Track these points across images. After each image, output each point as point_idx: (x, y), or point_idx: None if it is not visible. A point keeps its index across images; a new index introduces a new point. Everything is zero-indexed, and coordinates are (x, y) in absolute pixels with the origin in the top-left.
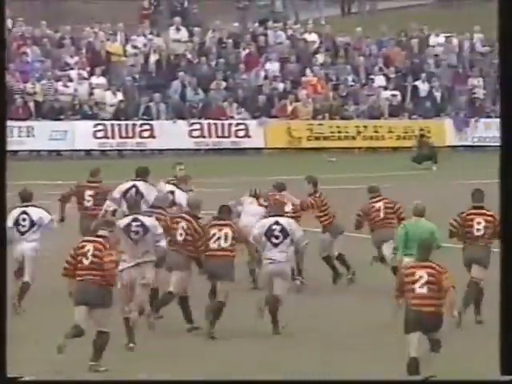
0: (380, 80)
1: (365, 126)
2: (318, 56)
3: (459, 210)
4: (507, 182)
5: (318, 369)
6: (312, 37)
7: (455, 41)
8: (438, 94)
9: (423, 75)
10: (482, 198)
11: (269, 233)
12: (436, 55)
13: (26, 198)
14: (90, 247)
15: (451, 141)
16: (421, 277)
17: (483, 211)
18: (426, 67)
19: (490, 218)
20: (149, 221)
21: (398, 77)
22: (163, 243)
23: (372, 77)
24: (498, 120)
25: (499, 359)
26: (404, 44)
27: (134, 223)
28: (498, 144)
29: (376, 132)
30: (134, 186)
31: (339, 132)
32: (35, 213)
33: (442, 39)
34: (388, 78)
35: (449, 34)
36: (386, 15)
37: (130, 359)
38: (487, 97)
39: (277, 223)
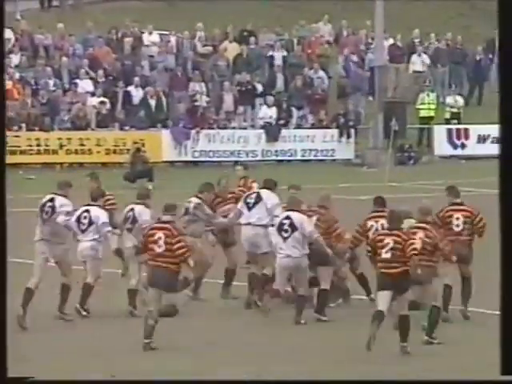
0: (86, 85)
1: (68, 139)
2: (12, 56)
3: None
4: (507, 182)
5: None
6: (5, 34)
7: (173, 40)
8: (152, 102)
9: (136, 79)
10: (458, 194)
11: (280, 227)
12: (151, 56)
13: (94, 197)
14: (160, 235)
15: (169, 155)
16: (387, 243)
17: (462, 207)
18: (139, 70)
19: (468, 214)
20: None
21: (108, 81)
22: None
23: (77, 81)
24: (223, 132)
25: (499, 359)
26: (114, 43)
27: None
28: (218, 159)
29: (82, 145)
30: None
31: (38, 145)
32: (95, 212)
33: (157, 38)
34: (96, 83)
35: (166, 32)
36: (93, 9)
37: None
38: (211, 105)
39: (287, 217)
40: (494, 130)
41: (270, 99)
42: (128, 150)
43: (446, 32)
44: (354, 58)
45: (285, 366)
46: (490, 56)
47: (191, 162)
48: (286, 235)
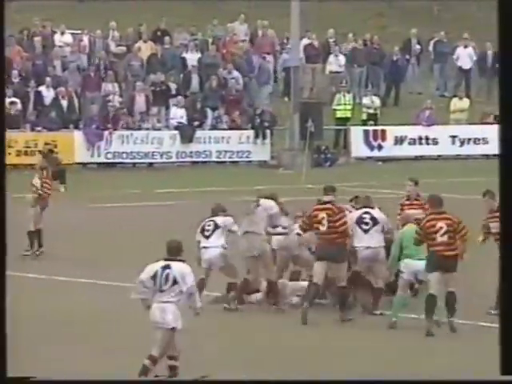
0: None
1: None
2: None
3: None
4: (507, 183)
5: None
6: None
7: (86, 39)
8: (64, 102)
9: (48, 79)
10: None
11: (359, 220)
12: (63, 56)
13: (215, 211)
14: (323, 215)
15: (81, 157)
16: (441, 227)
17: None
18: (51, 70)
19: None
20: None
21: (19, 81)
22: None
23: None
24: (136, 133)
25: (499, 359)
26: (25, 43)
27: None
28: (132, 161)
29: None
30: None
31: None
32: (220, 220)
33: (69, 37)
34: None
35: (78, 31)
36: (6, 7)
37: None
38: (124, 105)
39: (367, 212)
40: (411, 131)
41: (181, 100)
42: (40, 151)
43: (364, 32)
44: (269, 57)
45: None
46: (407, 56)
47: (104, 163)
48: (366, 228)
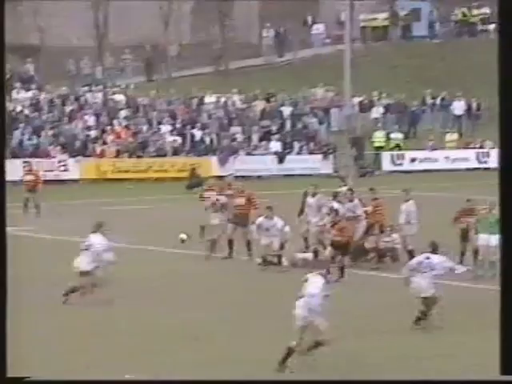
0: (166, 128)
1: (153, 162)
2: (122, 112)
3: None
4: (507, 184)
5: None
6: (119, 97)
7: (223, 99)
8: (208, 139)
9: (199, 125)
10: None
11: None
12: (208, 110)
13: None
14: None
15: (216, 172)
16: None
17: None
18: (200, 119)
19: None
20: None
21: (180, 127)
22: None
23: (160, 126)
24: (252, 157)
25: (499, 359)
26: (187, 102)
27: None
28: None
29: (162, 166)
30: None
31: (135, 166)
32: None
33: (213, 99)
34: (173, 127)
35: (219, 95)
36: (177, 81)
37: None
38: (245, 139)
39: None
40: (420, 154)
41: (278, 136)
42: (189, 169)
43: (395, 91)
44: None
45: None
46: (423, 107)
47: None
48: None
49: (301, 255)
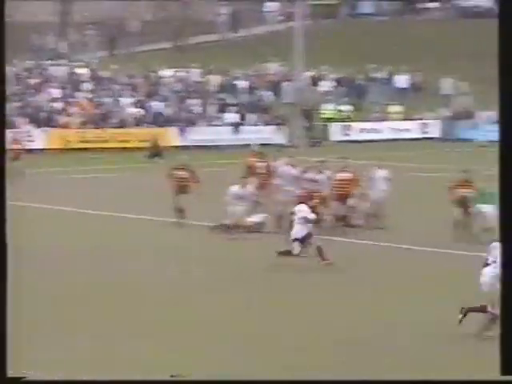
0: (127, 100)
1: (116, 133)
2: (85, 84)
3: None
4: (506, 181)
5: None
6: (82, 70)
7: (181, 73)
8: (168, 110)
9: (159, 97)
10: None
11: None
12: (168, 84)
13: None
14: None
15: (176, 143)
16: None
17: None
18: (160, 92)
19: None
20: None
21: (141, 99)
22: None
23: (122, 98)
24: (209, 128)
25: (499, 359)
26: (147, 76)
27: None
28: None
29: (124, 137)
30: None
31: (99, 137)
32: None
33: (172, 73)
34: (135, 99)
35: (177, 69)
36: (138, 56)
37: None
38: (204, 110)
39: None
40: (366, 125)
41: (233, 109)
42: (149, 140)
43: (343, 67)
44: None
45: None
46: (369, 82)
47: (188, 146)
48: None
49: (253, 218)
